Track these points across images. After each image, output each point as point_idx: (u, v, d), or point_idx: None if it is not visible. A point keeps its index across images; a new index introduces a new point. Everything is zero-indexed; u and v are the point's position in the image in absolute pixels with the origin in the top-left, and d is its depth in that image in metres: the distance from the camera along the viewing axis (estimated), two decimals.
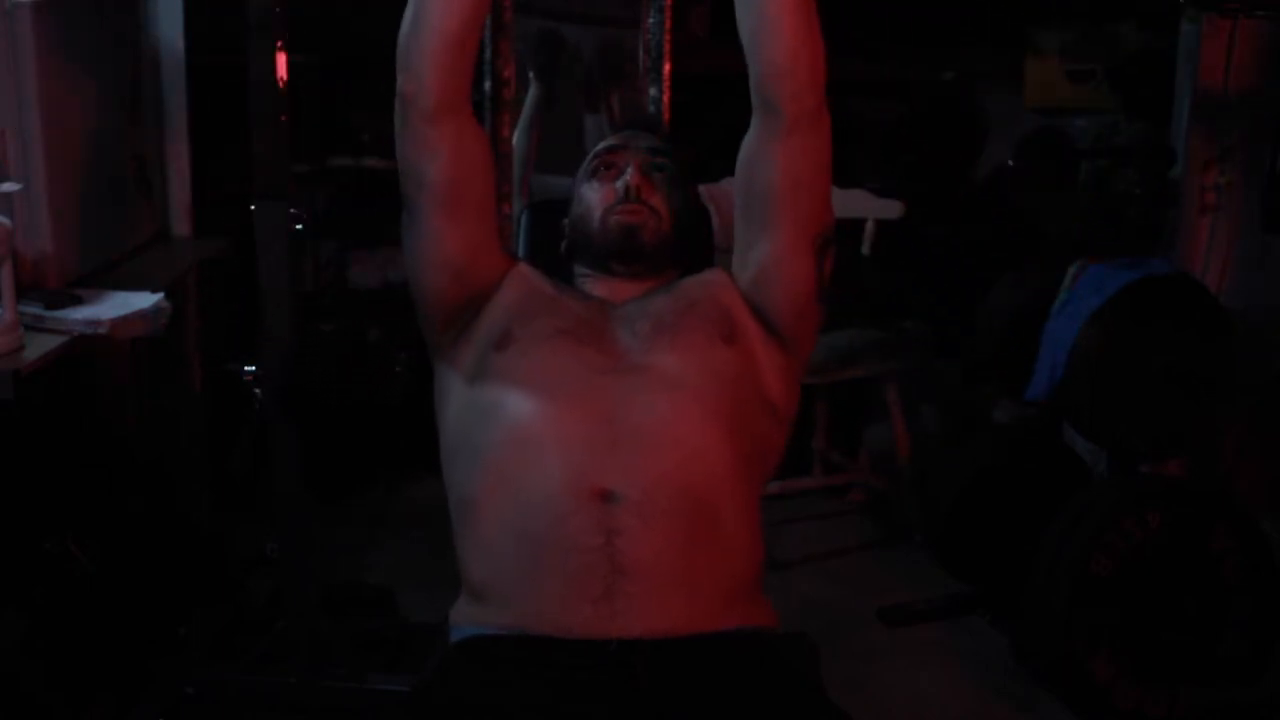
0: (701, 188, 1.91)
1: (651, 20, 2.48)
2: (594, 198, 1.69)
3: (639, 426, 1.47)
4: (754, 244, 1.61)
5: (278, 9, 2.19)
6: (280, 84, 2.21)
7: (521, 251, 2.02)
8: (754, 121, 1.57)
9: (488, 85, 2.53)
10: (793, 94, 1.52)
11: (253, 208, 2.26)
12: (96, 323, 2.18)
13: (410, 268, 1.62)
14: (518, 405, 1.50)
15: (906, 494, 3.35)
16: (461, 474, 1.53)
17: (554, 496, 1.42)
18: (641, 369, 1.53)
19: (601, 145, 1.75)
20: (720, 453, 1.49)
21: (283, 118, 2.22)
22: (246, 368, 2.28)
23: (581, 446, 1.45)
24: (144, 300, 2.28)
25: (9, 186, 2.12)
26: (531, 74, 3.38)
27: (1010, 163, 4.10)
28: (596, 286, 1.68)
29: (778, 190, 1.57)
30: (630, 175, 1.66)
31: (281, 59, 2.20)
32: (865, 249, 3.60)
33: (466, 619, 1.49)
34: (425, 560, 2.96)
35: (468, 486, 1.51)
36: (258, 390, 2.27)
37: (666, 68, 2.47)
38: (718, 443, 1.49)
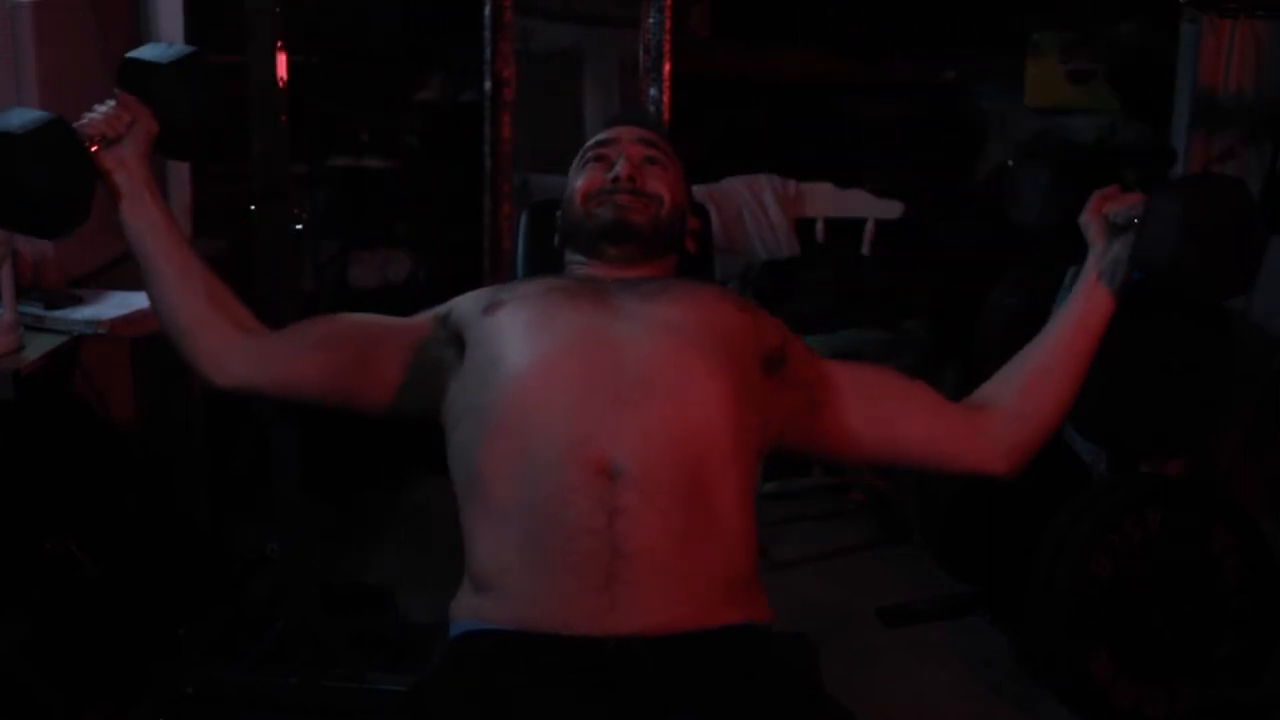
0: (701, 188, 1.90)
1: (651, 20, 2.47)
2: (580, 184, 1.70)
3: (640, 372, 1.46)
4: (830, 402, 1.61)
5: (278, 9, 2.19)
6: (280, 84, 2.21)
7: (521, 251, 2.02)
8: (961, 415, 1.68)
9: (488, 85, 2.52)
10: (1024, 451, 1.64)
11: (253, 208, 2.26)
12: (96, 323, 2.19)
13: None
14: (515, 357, 1.49)
15: (906, 494, 3.35)
16: (466, 445, 1.51)
17: (558, 465, 1.41)
18: (642, 316, 1.53)
19: (594, 139, 1.76)
20: (720, 408, 1.47)
21: (283, 118, 2.23)
22: None
23: (583, 401, 1.44)
24: (144, 300, 2.28)
25: None
26: None
27: (1010, 163, 4.09)
28: (589, 271, 1.69)
29: (909, 452, 1.65)
30: (621, 166, 1.67)
31: (281, 59, 2.20)
32: (865, 249, 3.59)
33: (467, 611, 1.47)
34: (425, 560, 2.96)
35: (473, 458, 1.49)
36: None
37: (666, 68, 2.47)
38: (718, 396, 1.48)
